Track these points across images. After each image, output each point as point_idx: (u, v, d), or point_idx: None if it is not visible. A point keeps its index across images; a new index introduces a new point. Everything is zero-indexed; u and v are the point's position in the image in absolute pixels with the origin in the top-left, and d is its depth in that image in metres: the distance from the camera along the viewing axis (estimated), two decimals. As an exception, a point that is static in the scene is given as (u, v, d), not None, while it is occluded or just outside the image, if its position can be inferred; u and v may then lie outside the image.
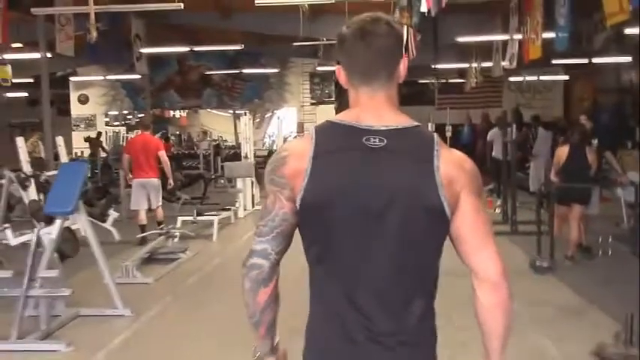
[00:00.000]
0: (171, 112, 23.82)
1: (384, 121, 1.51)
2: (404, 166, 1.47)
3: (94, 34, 8.76)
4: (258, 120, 22.05)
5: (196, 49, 14.38)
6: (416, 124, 1.54)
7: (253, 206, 11.66)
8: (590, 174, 6.85)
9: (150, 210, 8.99)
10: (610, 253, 7.25)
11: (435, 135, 1.53)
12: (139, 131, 9.84)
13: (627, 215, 8.73)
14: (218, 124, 23.93)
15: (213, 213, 9.52)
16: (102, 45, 12.71)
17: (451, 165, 1.49)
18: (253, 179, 11.84)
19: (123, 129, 22.11)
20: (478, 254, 1.51)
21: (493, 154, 11.50)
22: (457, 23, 13.25)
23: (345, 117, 1.54)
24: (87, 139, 19.38)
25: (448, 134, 16.72)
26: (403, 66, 1.57)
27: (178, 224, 8.88)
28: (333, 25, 12.93)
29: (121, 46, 13.56)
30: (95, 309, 5.31)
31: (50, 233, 4.80)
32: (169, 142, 21.58)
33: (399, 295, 1.47)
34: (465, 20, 13.36)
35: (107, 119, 21.56)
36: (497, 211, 10.40)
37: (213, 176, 14.71)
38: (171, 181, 9.22)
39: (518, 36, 11.26)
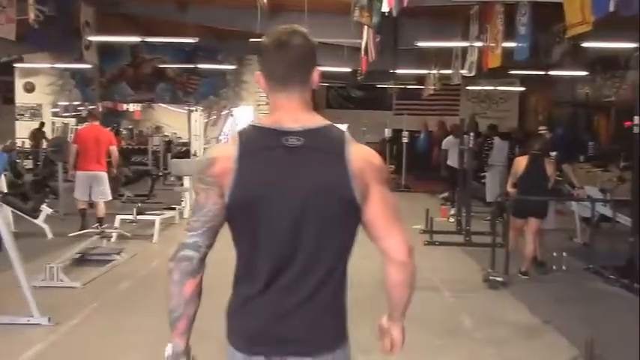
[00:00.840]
0: (125, 106, 23.00)
1: (300, 122, 1.67)
2: (319, 161, 1.64)
3: (32, 15, 8.21)
4: (214, 117, 21.52)
5: (148, 39, 13.77)
6: (328, 123, 1.71)
7: (201, 206, 11.15)
8: (547, 186, 6.62)
9: (91, 206, 8.72)
10: (564, 268, 7.05)
11: (346, 132, 1.69)
12: (89, 122, 9.45)
13: (581, 230, 8.61)
14: (173, 120, 23.25)
15: (155, 212, 8.96)
16: (48, 31, 12.05)
17: (360, 159, 1.65)
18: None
19: (73, 120, 21.09)
20: (387, 238, 1.69)
21: (448, 162, 11.28)
22: (417, 28, 13.06)
23: (266, 121, 1.71)
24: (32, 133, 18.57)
25: (404, 140, 16.54)
26: (316, 74, 1.73)
27: (117, 223, 8.29)
28: (292, 22, 12.53)
29: (69, 34, 12.84)
30: (8, 317, 4.75)
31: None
32: (119, 136, 20.85)
33: (318, 274, 1.64)
34: (425, 25, 13.20)
35: (57, 110, 20.53)
36: (451, 220, 10.18)
37: (160, 173, 14.09)
38: (115, 170, 9.32)
39: (478, 44, 11.15)
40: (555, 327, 5.13)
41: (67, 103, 20.80)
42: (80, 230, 8.21)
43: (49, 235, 8.05)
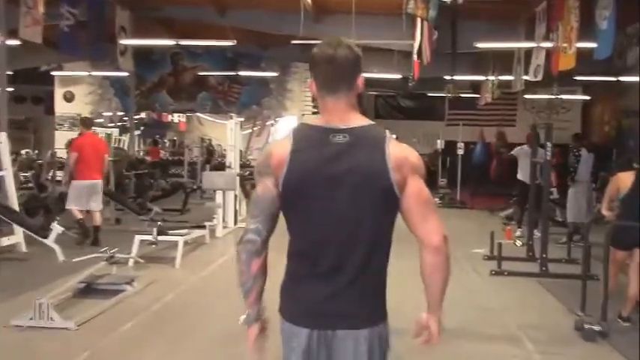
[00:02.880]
0: (170, 117, 22.36)
1: (346, 122, 1.92)
2: (362, 155, 1.87)
3: (42, 8, 7.44)
4: (258, 127, 20.68)
5: (183, 43, 12.90)
6: (371, 122, 1.95)
7: (236, 223, 10.05)
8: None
9: (87, 212, 8.50)
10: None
11: (387, 131, 1.92)
12: (83, 130, 9.17)
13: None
14: (216, 131, 22.48)
15: (182, 232, 7.86)
16: (80, 36, 11.40)
17: (399, 154, 1.88)
18: (237, 192, 10.26)
19: (116, 131, 20.42)
20: (422, 226, 1.89)
21: (518, 176, 9.88)
22: (475, 30, 11.97)
23: (316, 120, 1.97)
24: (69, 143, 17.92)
25: (460, 152, 15.20)
26: (360, 80, 1.96)
27: (135, 245, 7.21)
28: (340, 25, 11.54)
29: (104, 39, 12.17)
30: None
31: None
32: (158, 146, 20.16)
33: (361, 254, 1.87)
34: (484, 27, 12.11)
35: (101, 120, 19.87)
36: (519, 244, 8.86)
37: (195, 186, 13.13)
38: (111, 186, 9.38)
39: (546, 44, 9.98)
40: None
41: (110, 114, 20.23)
42: (81, 241, 8.13)
43: (60, 258, 7.12)
